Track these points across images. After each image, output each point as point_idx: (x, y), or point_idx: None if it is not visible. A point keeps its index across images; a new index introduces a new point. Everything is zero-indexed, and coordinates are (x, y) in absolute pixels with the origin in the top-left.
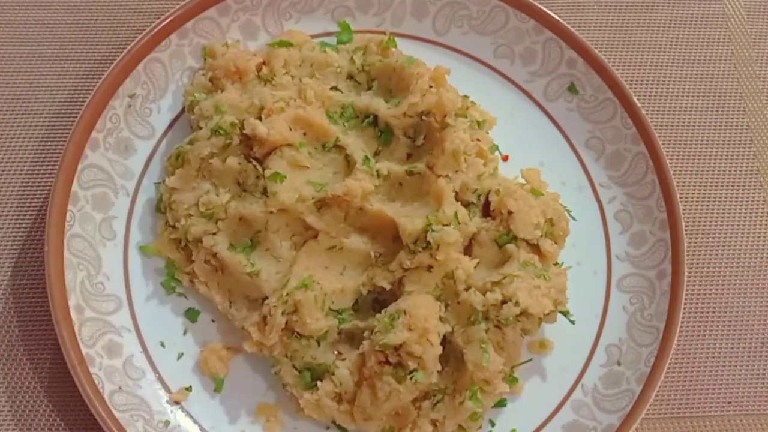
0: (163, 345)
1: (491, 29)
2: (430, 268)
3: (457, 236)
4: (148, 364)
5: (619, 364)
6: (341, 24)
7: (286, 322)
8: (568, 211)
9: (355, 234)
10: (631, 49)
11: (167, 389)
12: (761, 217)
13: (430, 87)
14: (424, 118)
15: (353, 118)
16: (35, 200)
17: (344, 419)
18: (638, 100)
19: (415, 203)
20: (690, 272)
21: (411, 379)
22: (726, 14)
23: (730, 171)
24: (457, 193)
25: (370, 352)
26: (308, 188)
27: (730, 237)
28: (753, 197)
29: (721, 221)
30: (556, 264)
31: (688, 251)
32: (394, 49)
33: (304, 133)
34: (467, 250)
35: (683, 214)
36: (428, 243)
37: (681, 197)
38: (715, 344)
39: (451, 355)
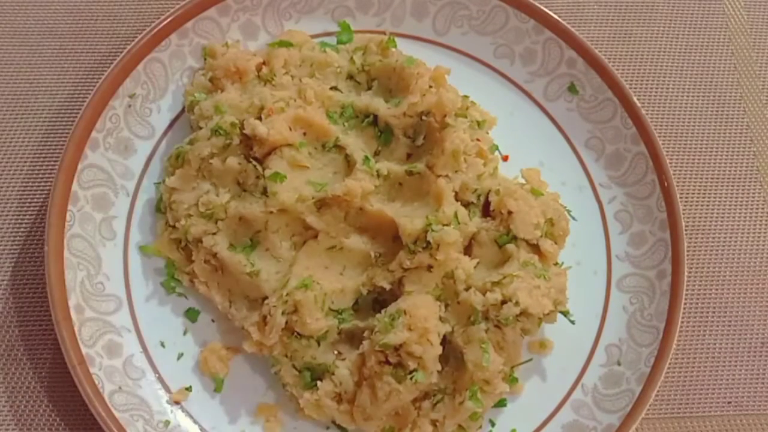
0: (163, 345)
1: (491, 29)
2: (430, 268)
3: (457, 236)
4: (148, 364)
5: (619, 364)
6: (341, 24)
7: (286, 322)
8: (568, 211)
9: (355, 234)
10: (631, 49)
11: (167, 389)
12: (761, 217)
13: (430, 87)
14: (424, 118)
15: (353, 118)
16: (35, 200)
17: (344, 419)
18: (638, 100)
19: (415, 203)
20: (690, 272)
21: (411, 379)
22: (726, 14)
23: (730, 171)
24: (457, 193)
25: (370, 352)
26: (308, 188)
27: (730, 237)
28: (753, 197)
29: (721, 221)
30: (556, 264)
31: (688, 251)
32: (394, 49)
33: (304, 133)
34: (467, 250)
35: (683, 214)
36: (428, 243)
37: (681, 197)
38: (715, 344)
39: (451, 355)
